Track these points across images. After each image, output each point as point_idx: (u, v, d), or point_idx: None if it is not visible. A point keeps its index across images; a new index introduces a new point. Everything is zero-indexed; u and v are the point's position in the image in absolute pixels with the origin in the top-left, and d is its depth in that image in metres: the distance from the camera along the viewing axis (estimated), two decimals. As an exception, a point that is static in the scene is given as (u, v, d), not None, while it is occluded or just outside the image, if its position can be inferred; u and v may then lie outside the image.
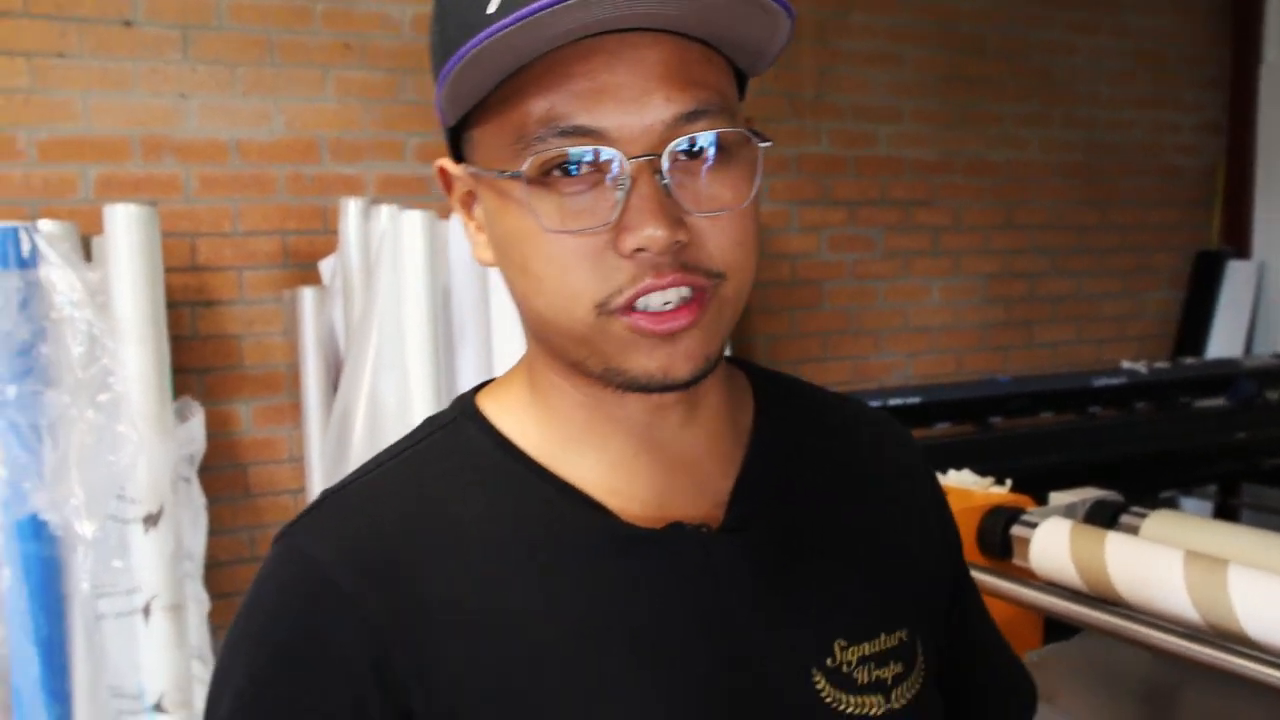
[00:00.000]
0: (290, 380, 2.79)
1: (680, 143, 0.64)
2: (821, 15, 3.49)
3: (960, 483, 1.83)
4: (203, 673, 2.32)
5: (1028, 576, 1.56)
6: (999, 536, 1.64)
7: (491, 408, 0.77)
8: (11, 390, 2.14)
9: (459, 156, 0.73)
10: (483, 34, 0.60)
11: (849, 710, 0.74)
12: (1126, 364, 3.61)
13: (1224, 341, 4.15)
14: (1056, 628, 1.62)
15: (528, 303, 0.70)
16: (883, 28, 3.62)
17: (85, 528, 2.12)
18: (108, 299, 2.22)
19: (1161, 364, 3.61)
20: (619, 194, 0.64)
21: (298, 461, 2.80)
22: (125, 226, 2.23)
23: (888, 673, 0.76)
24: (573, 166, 0.64)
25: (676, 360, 0.66)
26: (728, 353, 0.79)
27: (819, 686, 0.73)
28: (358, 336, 2.37)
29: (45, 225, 2.23)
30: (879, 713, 0.75)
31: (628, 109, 0.63)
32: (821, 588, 0.77)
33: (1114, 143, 4.08)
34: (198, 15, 2.68)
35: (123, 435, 2.15)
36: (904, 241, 3.70)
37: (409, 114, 2.92)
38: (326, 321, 2.63)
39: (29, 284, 2.15)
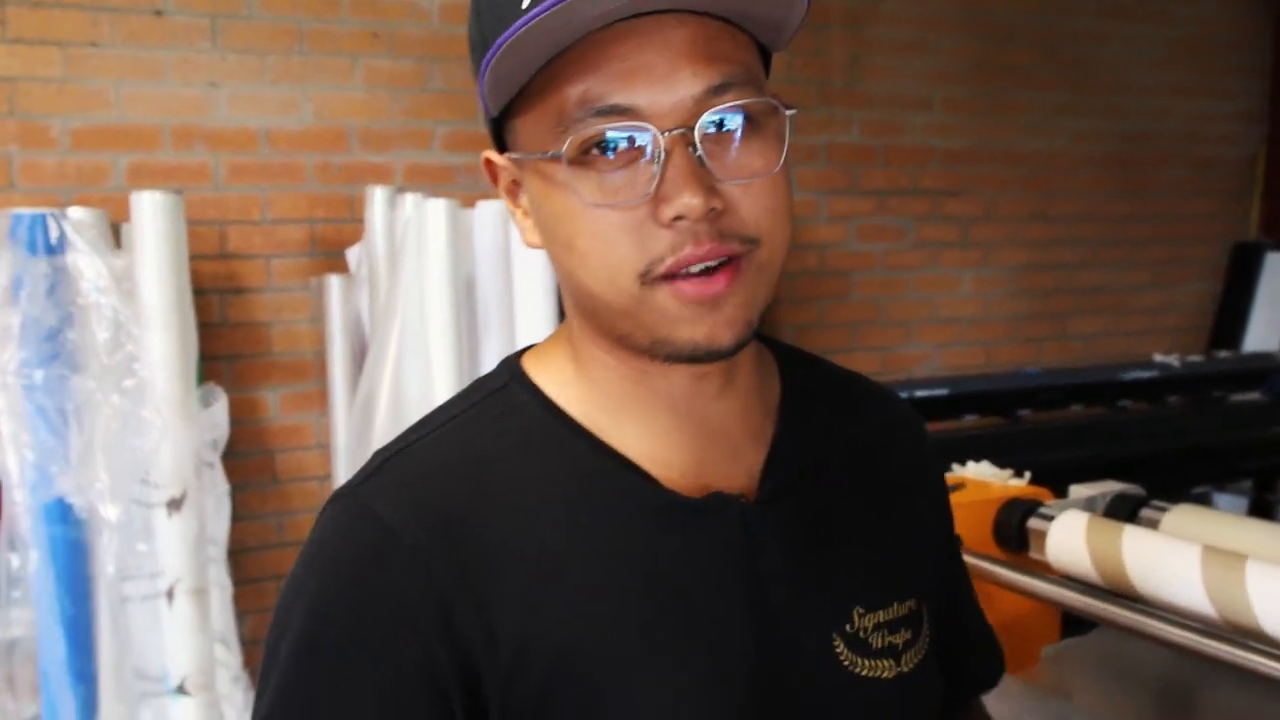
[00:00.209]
0: (317, 367, 2.81)
1: (710, 115, 0.68)
2: (852, 3, 3.47)
3: (979, 474, 1.81)
4: (225, 656, 2.35)
5: (1044, 570, 1.54)
6: (1015, 529, 1.62)
7: (540, 376, 0.80)
8: (38, 375, 2.17)
9: (502, 147, 0.77)
10: (518, 23, 0.64)
11: (864, 673, 0.79)
12: (1159, 357, 3.57)
13: (1262, 335, 4.07)
14: (1074, 622, 1.61)
15: (574, 279, 0.73)
16: (913, 15, 3.58)
17: (110, 511, 2.15)
18: (134, 285, 2.25)
19: (1195, 357, 3.56)
20: (655, 167, 0.68)
21: (325, 448, 2.82)
22: (151, 213, 2.26)
23: (899, 639, 0.81)
24: (610, 145, 0.68)
25: (719, 328, 0.70)
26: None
27: (838, 650, 0.78)
28: (382, 324, 2.38)
29: (74, 212, 2.26)
30: (890, 675, 0.80)
31: (658, 86, 0.67)
32: (842, 558, 0.82)
33: (1149, 132, 4.02)
34: (227, 4, 2.71)
35: (147, 420, 2.18)
36: (934, 232, 3.67)
37: (437, 103, 2.93)
38: (352, 309, 2.64)
39: (57, 270, 2.18)
